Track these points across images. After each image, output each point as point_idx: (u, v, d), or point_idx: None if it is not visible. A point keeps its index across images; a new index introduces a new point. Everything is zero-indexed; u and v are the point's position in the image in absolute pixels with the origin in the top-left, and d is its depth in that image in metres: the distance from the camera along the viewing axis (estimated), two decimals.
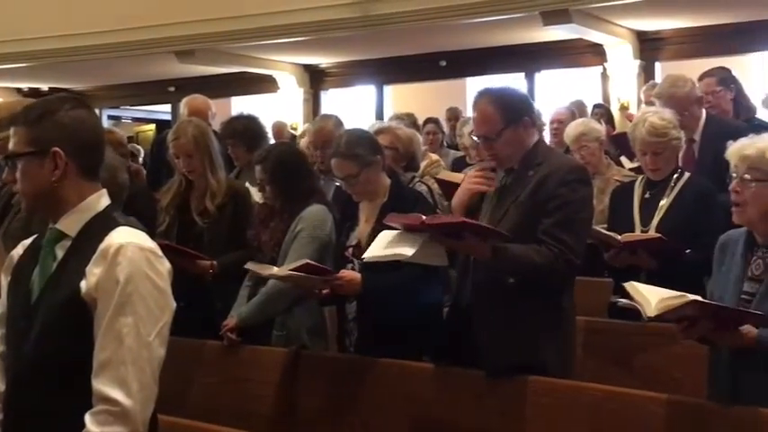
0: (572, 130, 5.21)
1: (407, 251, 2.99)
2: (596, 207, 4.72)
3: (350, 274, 3.57)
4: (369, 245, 3.55)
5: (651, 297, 2.63)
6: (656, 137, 3.79)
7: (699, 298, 2.59)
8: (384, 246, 3.11)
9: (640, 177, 4.01)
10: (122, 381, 1.91)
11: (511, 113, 3.19)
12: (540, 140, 3.38)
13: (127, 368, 1.92)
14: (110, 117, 15.23)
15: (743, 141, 2.80)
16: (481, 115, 3.23)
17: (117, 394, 1.90)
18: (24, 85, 14.21)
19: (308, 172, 4.13)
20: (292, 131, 10.90)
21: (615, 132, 6.44)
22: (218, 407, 3.69)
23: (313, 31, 10.57)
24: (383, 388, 3.44)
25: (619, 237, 3.62)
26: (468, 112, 10.03)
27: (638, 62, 10.93)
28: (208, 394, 3.82)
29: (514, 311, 3.11)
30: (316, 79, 13.31)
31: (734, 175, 2.79)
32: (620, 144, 5.72)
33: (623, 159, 6.09)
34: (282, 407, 3.65)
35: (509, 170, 3.25)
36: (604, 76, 11.22)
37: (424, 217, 3.05)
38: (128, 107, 15.60)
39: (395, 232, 3.12)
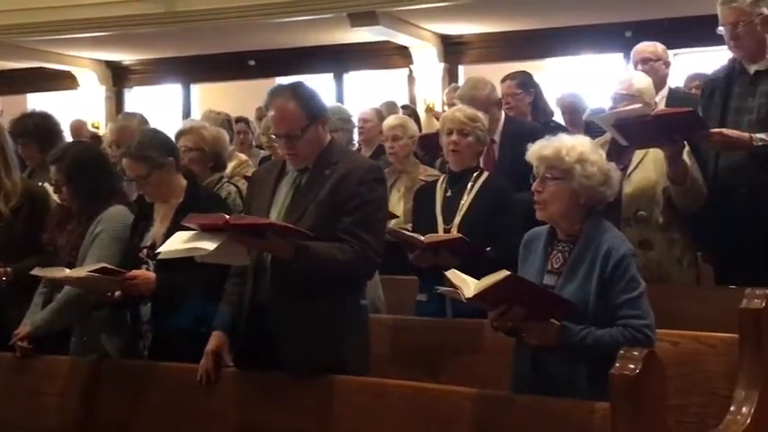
0: (393, 120, 5.37)
1: (208, 246, 2.94)
2: (405, 205, 4.84)
3: (144, 273, 3.50)
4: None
5: (470, 281, 2.72)
6: (466, 118, 3.95)
7: (514, 274, 2.69)
8: (182, 242, 3.05)
9: (442, 177, 4.13)
10: None
11: (313, 110, 3.20)
12: (334, 139, 3.40)
13: None
14: None
15: (541, 143, 2.94)
16: (282, 113, 3.17)
17: None
18: None
19: (107, 172, 3.99)
20: (94, 130, 10.49)
21: (422, 133, 6.58)
22: (11, 423, 3.49)
23: (115, 26, 10.25)
24: (188, 394, 3.35)
25: (422, 237, 3.70)
26: None
27: (442, 65, 11.27)
28: (2, 410, 3.60)
29: (314, 311, 3.11)
30: (119, 76, 12.90)
31: (536, 175, 2.92)
32: (427, 145, 5.86)
33: None
34: (83, 419, 3.50)
35: (303, 170, 3.24)
36: (411, 78, 11.50)
37: (227, 216, 3.02)
38: None
39: (193, 232, 3.06)
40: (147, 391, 3.45)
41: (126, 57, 12.55)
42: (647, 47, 5.15)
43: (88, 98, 12.64)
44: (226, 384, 3.30)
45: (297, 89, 3.22)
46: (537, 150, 2.92)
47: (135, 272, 3.50)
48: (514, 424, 2.78)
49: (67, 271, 3.52)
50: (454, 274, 2.81)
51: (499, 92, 5.04)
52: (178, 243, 3.07)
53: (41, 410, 3.55)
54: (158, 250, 3.20)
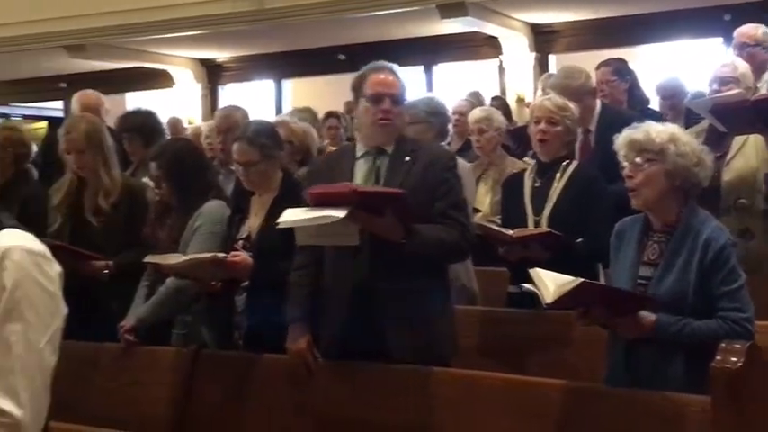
0: (478, 112, 5.36)
1: (337, 213, 2.92)
2: (492, 198, 4.81)
3: (244, 257, 3.55)
4: (259, 238, 3.56)
5: (550, 284, 2.70)
6: (556, 107, 3.90)
7: (588, 280, 2.66)
8: (302, 212, 3.04)
9: (530, 166, 4.08)
10: (12, 390, 1.82)
11: (405, 94, 3.37)
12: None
13: (16, 377, 1.83)
14: None
15: (628, 130, 2.91)
16: (393, 79, 3.31)
17: (6, 404, 1.81)
18: None
19: (205, 168, 4.09)
20: (189, 126, 10.72)
21: (514, 126, 6.53)
22: (117, 411, 3.60)
23: (208, 24, 10.43)
24: (285, 385, 3.40)
25: (511, 232, 3.67)
26: None
27: (533, 55, 11.12)
28: (106, 399, 3.72)
29: (416, 295, 3.15)
30: (213, 74, 13.13)
31: (625, 163, 2.88)
32: (518, 137, 5.81)
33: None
34: (181, 408, 3.58)
35: (379, 153, 3.29)
36: (501, 68, 11.38)
37: (353, 185, 3.07)
38: (18, 104, 15.07)
39: (304, 208, 3.07)
40: (242, 382, 3.51)
41: (219, 54, 12.77)
42: (748, 30, 4.99)
43: (184, 96, 12.91)
44: (325, 375, 3.33)
45: (400, 74, 3.37)
46: (625, 137, 2.88)
47: (237, 254, 3.55)
48: (608, 417, 2.75)
49: (183, 257, 3.58)
50: (536, 275, 2.79)
51: (594, 80, 4.96)
52: (297, 214, 3.05)
53: (145, 400, 3.64)
54: (279, 220, 3.13)
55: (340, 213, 2.93)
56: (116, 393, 3.73)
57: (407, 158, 3.25)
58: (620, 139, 2.90)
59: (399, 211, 3.05)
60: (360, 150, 3.36)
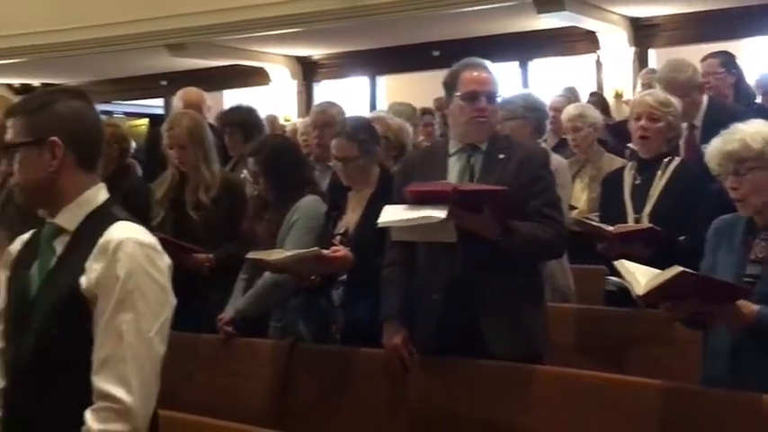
0: (571, 109, 5.30)
1: (439, 213, 2.92)
2: (589, 195, 4.75)
3: (345, 252, 3.56)
4: (356, 233, 3.58)
5: (640, 276, 2.65)
6: (657, 103, 3.82)
7: (687, 270, 2.60)
8: (401, 212, 3.04)
9: (630, 163, 4.01)
10: (123, 378, 1.90)
11: (498, 90, 3.37)
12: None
13: (127, 365, 1.91)
14: (102, 112, 15.10)
15: (716, 142, 2.82)
16: (487, 76, 3.32)
17: (118, 391, 1.89)
18: (15, 81, 14.10)
19: (301, 164, 4.16)
20: (286, 123, 10.87)
21: (614, 122, 6.42)
22: (216, 401, 3.69)
23: (304, 22, 10.54)
24: (381, 379, 3.43)
25: (611, 228, 3.61)
26: None
27: (632, 49, 10.89)
28: (205, 388, 3.81)
29: (512, 294, 3.15)
30: (308, 71, 13.27)
31: (721, 176, 2.80)
32: (617, 132, 5.72)
33: None
34: (278, 400, 3.65)
35: (473, 150, 3.28)
36: (598, 63, 11.19)
37: (454, 183, 3.08)
38: (120, 102, 15.54)
39: (402, 206, 3.07)
40: (338, 376, 3.55)
41: (315, 51, 12.89)
42: None
43: (279, 93, 13.08)
44: (419, 371, 3.34)
45: (493, 70, 3.38)
46: (718, 149, 2.80)
47: (338, 249, 3.57)
48: (708, 418, 2.70)
49: (285, 253, 3.62)
50: (623, 267, 2.73)
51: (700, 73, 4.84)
52: (397, 213, 3.05)
53: (243, 391, 3.73)
54: (379, 221, 3.12)
55: (441, 214, 2.92)
56: (215, 384, 3.83)
57: (501, 156, 3.24)
58: (710, 153, 2.82)
59: (497, 209, 3.04)
60: (453, 147, 3.36)
